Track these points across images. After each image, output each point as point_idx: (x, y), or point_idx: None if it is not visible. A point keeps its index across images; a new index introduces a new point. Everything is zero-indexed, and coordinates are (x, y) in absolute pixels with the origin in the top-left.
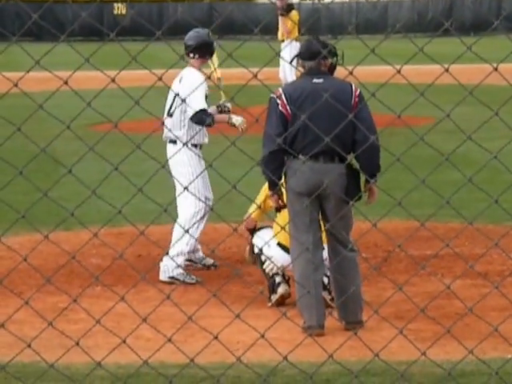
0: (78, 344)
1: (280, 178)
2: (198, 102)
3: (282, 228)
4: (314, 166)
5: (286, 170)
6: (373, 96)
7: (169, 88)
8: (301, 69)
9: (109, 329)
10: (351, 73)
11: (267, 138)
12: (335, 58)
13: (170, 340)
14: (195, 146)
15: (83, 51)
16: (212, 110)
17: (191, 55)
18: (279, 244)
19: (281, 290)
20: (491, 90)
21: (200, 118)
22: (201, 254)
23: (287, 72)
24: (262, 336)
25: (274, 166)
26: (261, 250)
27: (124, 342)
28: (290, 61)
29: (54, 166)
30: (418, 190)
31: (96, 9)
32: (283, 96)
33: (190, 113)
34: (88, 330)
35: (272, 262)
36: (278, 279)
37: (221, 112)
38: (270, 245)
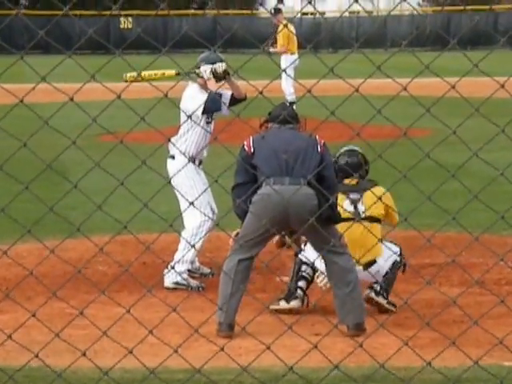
0: (84, 354)
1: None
2: (199, 100)
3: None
4: (280, 188)
5: (253, 197)
6: (379, 113)
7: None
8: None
9: (115, 334)
10: (357, 90)
11: (236, 190)
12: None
13: (176, 351)
14: (192, 160)
15: (91, 64)
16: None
17: (200, 74)
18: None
19: (294, 303)
20: (491, 102)
21: (212, 103)
22: (197, 264)
23: (283, 83)
24: (268, 348)
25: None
26: (312, 263)
27: (131, 352)
28: (289, 74)
29: (60, 178)
30: (417, 200)
31: (103, 23)
32: (250, 138)
33: (199, 111)
34: (94, 335)
35: (325, 277)
36: (300, 285)
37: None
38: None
